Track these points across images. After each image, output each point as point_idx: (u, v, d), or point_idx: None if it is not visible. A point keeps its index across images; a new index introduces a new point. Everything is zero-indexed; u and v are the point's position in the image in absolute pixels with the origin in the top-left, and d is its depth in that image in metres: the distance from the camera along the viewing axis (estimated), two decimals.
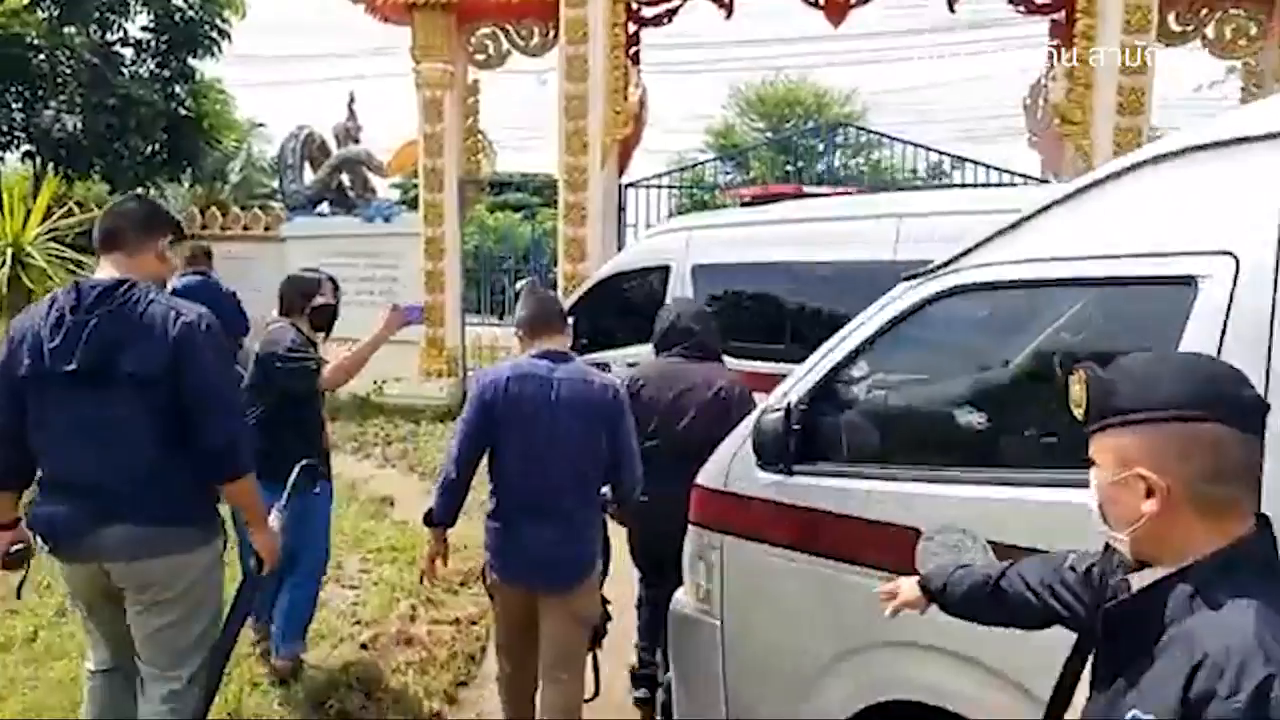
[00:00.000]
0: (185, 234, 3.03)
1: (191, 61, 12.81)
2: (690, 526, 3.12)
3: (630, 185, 10.79)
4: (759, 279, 6.18)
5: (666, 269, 6.63)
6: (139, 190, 11.94)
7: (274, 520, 2.82)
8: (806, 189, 6.70)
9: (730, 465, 2.93)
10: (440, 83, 10.43)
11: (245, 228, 13.58)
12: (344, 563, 5.45)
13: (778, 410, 2.69)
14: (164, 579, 2.53)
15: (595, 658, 3.27)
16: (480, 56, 10.71)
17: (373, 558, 5.55)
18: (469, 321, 11.22)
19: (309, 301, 3.92)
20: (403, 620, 4.62)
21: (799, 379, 2.81)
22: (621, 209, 10.60)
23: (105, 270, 2.55)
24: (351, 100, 11.84)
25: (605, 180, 10.07)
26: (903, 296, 2.62)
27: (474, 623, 4.68)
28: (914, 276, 2.63)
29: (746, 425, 2.93)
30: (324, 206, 11.55)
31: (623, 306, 7.20)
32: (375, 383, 10.60)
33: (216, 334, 2.54)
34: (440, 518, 3.13)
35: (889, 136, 9.85)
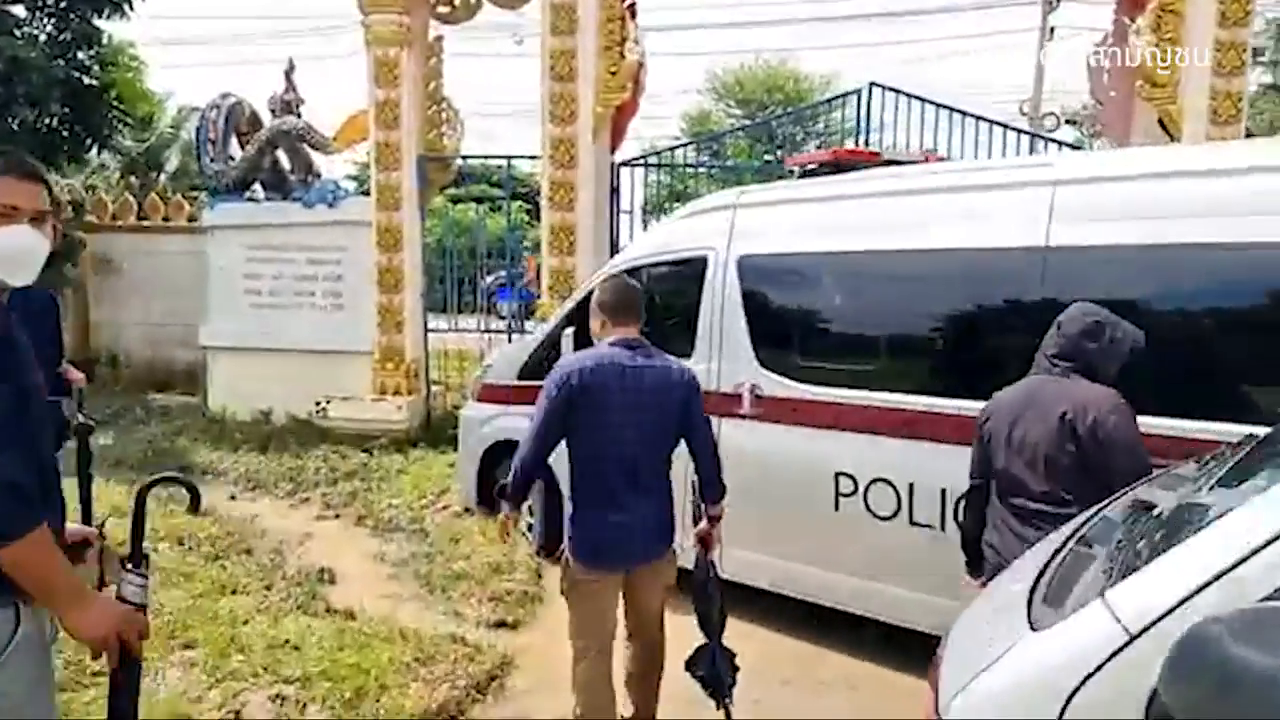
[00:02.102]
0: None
1: (96, 22, 10.79)
2: None
3: (626, 164, 9.05)
4: (836, 275, 4.49)
5: (703, 261, 4.91)
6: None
7: (128, 589, 1.95)
8: (886, 154, 5.06)
9: None
10: (395, 39, 8.60)
11: (165, 218, 11.70)
12: (248, 704, 3.66)
13: None
14: None
15: (729, 711, 3.26)
16: (444, 9, 8.93)
17: (295, 694, 3.73)
18: (432, 327, 9.38)
19: None
20: None
21: None
22: (615, 191, 8.85)
23: None
24: (290, 69, 9.94)
25: (598, 156, 8.32)
26: None
27: None
28: None
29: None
30: (256, 190, 9.66)
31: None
32: (317, 403, 8.76)
33: None
34: (515, 494, 3.19)
35: (938, 104, 8.23)
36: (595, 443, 3.06)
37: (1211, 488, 1.91)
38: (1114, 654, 1.24)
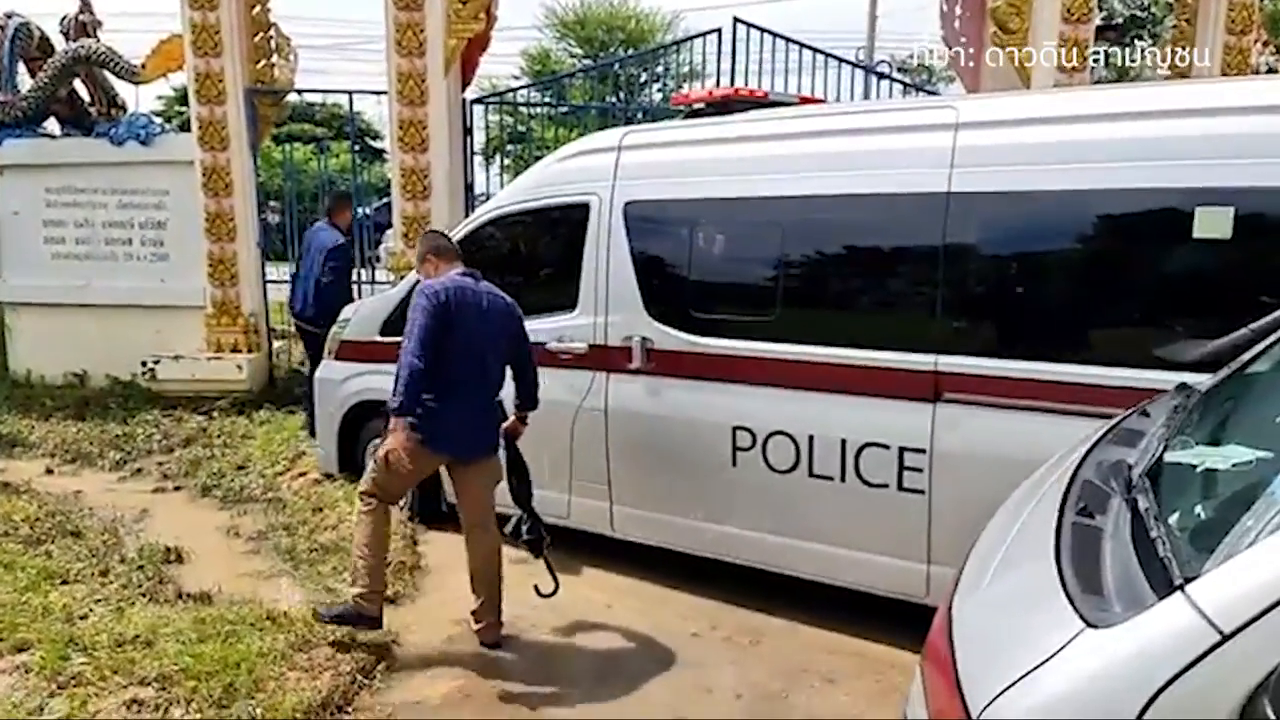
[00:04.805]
0: None
1: None
2: None
3: (478, 101, 8.52)
4: (731, 222, 4.32)
5: (584, 208, 4.62)
6: None
7: None
8: (772, 95, 4.89)
9: None
10: None
11: None
12: (99, 712, 3.18)
13: None
14: None
15: (548, 561, 4.11)
16: None
17: (153, 697, 3.24)
18: (270, 278, 8.60)
19: None
20: None
21: None
22: (468, 131, 8.32)
23: None
24: None
25: (449, 92, 7.77)
26: None
27: None
28: None
29: None
30: (52, 124, 8.49)
31: (514, 266, 5.11)
32: (143, 363, 7.90)
33: None
34: (412, 406, 3.57)
35: (814, 48, 8.14)
36: (455, 351, 3.65)
37: (1189, 445, 1.85)
38: (1203, 655, 1.12)
